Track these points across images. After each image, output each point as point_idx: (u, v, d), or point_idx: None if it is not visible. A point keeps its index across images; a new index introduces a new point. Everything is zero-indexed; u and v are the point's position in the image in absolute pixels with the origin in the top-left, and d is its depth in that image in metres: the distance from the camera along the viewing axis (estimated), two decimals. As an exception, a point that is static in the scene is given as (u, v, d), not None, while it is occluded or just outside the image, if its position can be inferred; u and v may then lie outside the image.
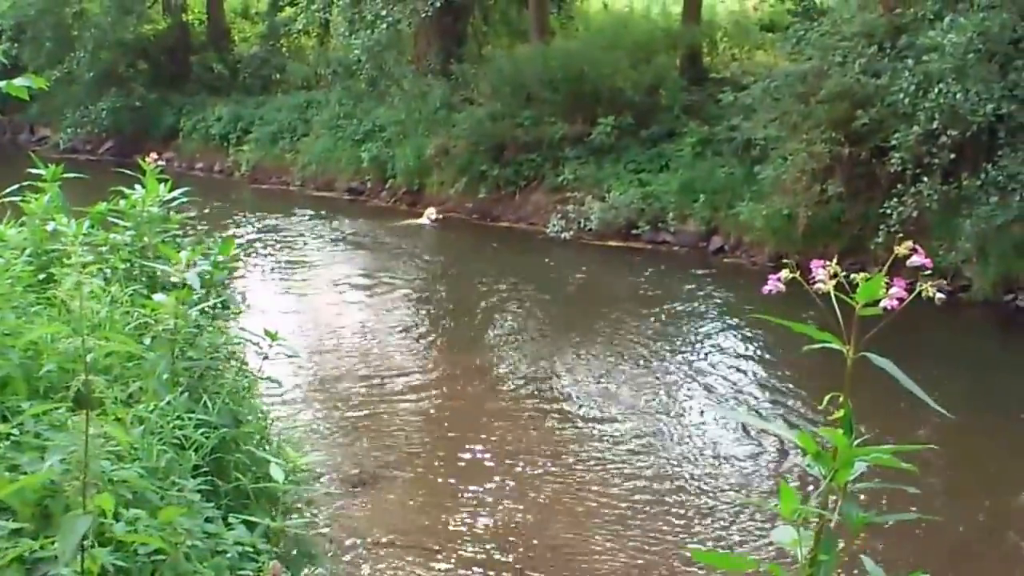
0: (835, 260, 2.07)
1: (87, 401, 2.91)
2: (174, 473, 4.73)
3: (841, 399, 2.02)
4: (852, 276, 2.00)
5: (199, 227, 15.52)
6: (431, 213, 16.94)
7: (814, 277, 2.05)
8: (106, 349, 3.15)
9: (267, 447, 6.16)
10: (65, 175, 7.26)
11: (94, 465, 2.96)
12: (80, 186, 8.11)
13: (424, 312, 12.86)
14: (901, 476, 2.34)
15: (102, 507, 3.05)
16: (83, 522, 2.96)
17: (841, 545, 2.03)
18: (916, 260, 2.02)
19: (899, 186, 12.30)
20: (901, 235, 11.97)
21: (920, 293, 2.01)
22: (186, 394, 5.43)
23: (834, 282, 2.01)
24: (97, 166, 19.48)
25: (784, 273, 2.10)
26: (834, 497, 2.01)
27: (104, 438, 4.40)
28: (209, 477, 5.06)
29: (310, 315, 12.42)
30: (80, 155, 22.71)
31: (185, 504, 4.48)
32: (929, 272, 2.00)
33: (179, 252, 6.04)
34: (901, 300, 1.96)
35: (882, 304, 1.96)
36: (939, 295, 2.02)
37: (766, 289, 2.11)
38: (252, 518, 4.99)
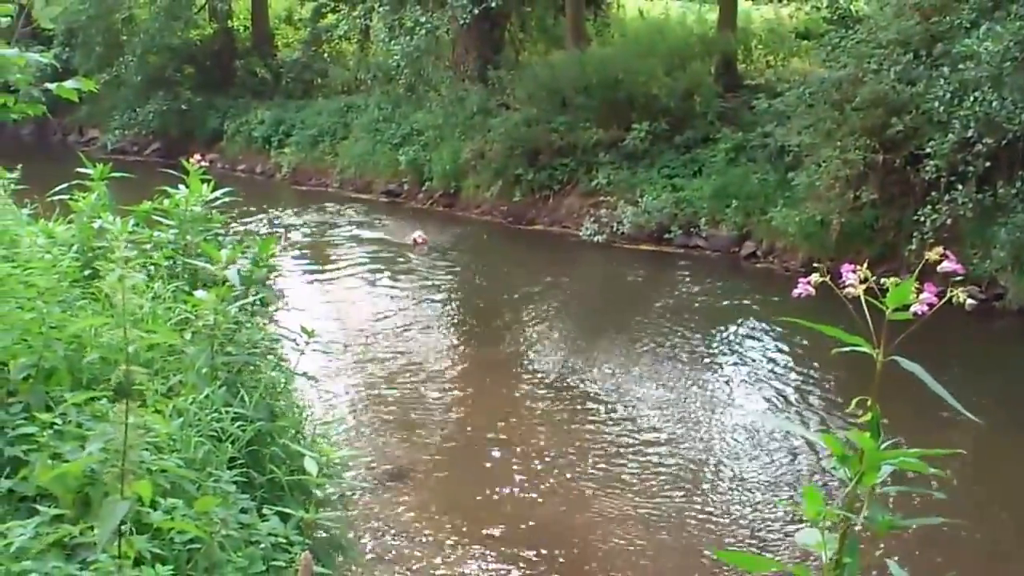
0: (867, 267, 2.07)
1: (127, 391, 3.04)
2: (211, 464, 4.90)
3: (869, 403, 2.02)
4: (883, 281, 2.01)
5: (242, 226, 15.95)
6: (417, 236, 16.06)
7: (844, 281, 2.06)
8: (147, 342, 3.29)
9: (302, 441, 6.36)
10: (112, 175, 7.54)
11: (133, 453, 3.08)
12: (127, 185, 8.38)
13: (458, 312, 13.05)
14: (929, 481, 2.37)
15: (140, 494, 3.12)
16: (121, 508, 3.03)
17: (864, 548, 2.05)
18: (947, 266, 2.03)
19: (933, 194, 12.29)
20: (934, 243, 12.08)
21: (951, 299, 2.00)
22: (224, 388, 5.62)
23: (864, 286, 2.03)
24: (143, 167, 19.89)
25: (814, 277, 2.12)
26: (860, 500, 2.02)
27: (144, 429, 4.64)
28: (245, 469, 5.25)
29: (347, 313, 12.64)
30: (127, 156, 23.21)
31: (221, 495, 4.65)
32: (960, 278, 2.00)
33: (220, 250, 6.27)
34: (931, 305, 1.97)
35: (912, 309, 1.96)
36: (970, 301, 2.01)
37: (796, 292, 2.13)
38: (286, 510, 5.17)
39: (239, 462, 5.17)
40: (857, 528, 2.02)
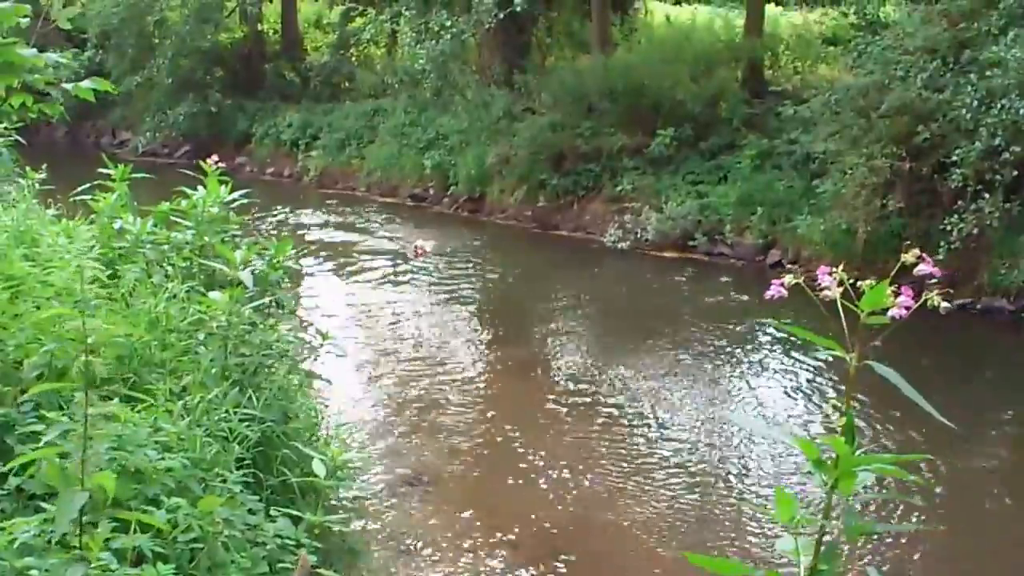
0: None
1: (91, 382, 3.03)
2: (219, 464, 4.94)
3: (844, 406, 1.98)
4: (859, 284, 1.96)
5: (269, 228, 16.07)
6: (418, 244, 15.73)
7: (820, 284, 2.01)
8: (109, 335, 3.27)
9: (316, 443, 6.38)
10: (133, 175, 7.63)
11: (97, 445, 3.08)
12: (152, 186, 8.49)
13: (479, 316, 13.06)
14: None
15: (102, 485, 3.11)
16: (79, 499, 3.01)
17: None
18: (923, 269, 1.98)
19: (960, 202, 12.13)
20: (962, 252, 11.92)
21: (927, 303, 1.94)
22: (236, 388, 5.66)
23: (841, 289, 1.97)
24: (173, 169, 20.06)
25: (788, 278, 2.08)
26: (836, 506, 1.97)
27: (152, 428, 4.68)
28: (253, 470, 5.28)
29: (369, 316, 12.69)
30: (158, 158, 23.49)
31: (226, 495, 4.68)
32: (936, 280, 1.94)
33: (235, 251, 6.32)
34: (908, 309, 1.91)
35: (890, 313, 1.92)
36: (944, 304, 1.94)
37: (769, 294, 2.08)
38: (294, 512, 5.18)
39: (246, 462, 5.20)
40: (834, 535, 1.98)
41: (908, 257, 1.99)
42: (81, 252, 6.17)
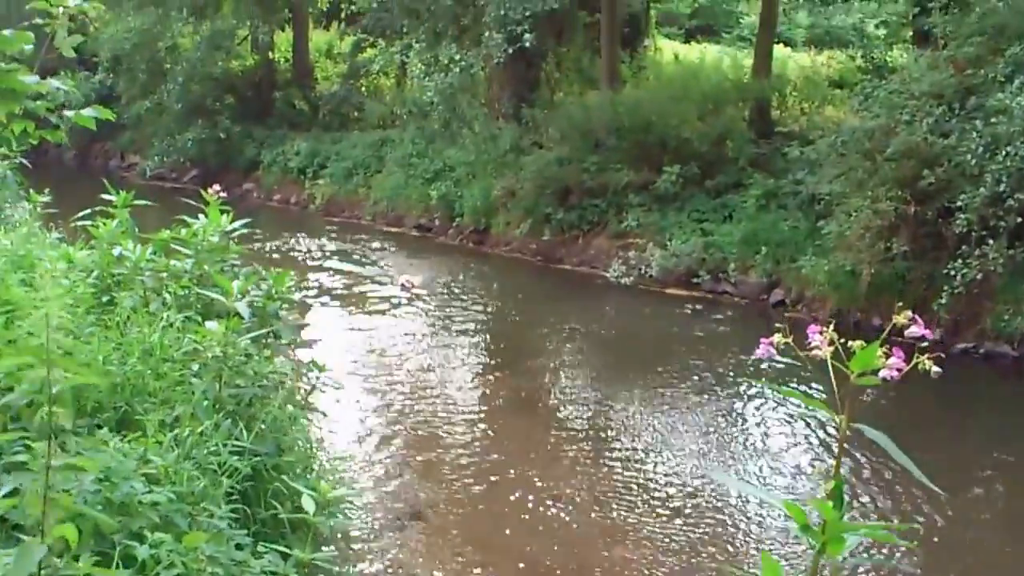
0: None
1: (51, 432, 2.96)
2: (207, 498, 4.88)
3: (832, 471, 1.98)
4: (849, 343, 1.94)
5: (273, 255, 16.08)
6: (404, 280, 15.59)
7: (810, 342, 2.00)
8: (72, 383, 3.19)
9: (309, 477, 6.32)
10: (135, 202, 7.63)
11: (57, 495, 2.99)
12: (158, 211, 8.50)
13: (481, 350, 13.01)
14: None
15: (65, 537, 3.01)
16: (37, 552, 2.91)
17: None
18: (915, 331, 1.98)
19: (964, 247, 12.10)
20: (965, 297, 11.88)
21: (919, 366, 1.94)
22: (228, 420, 5.61)
23: (831, 348, 1.96)
24: (180, 193, 20.13)
25: (776, 337, 2.08)
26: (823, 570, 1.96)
27: (141, 460, 4.63)
28: (240, 505, 5.21)
29: (368, 348, 12.66)
30: (165, 182, 23.60)
31: (213, 530, 4.61)
32: (927, 344, 1.94)
33: (233, 282, 6.29)
34: (900, 371, 1.90)
35: (881, 374, 1.91)
36: (936, 369, 1.94)
37: (758, 353, 2.08)
38: (282, 548, 5.11)
39: (233, 497, 5.13)
40: None
41: (900, 319, 1.97)
42: (81, 278, 6.16)
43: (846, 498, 1.98)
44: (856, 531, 1.92)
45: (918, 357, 1.92)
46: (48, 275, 3.94)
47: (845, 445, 2.03)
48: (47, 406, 2.83)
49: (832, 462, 2.02)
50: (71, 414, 4.83)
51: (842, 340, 2.00)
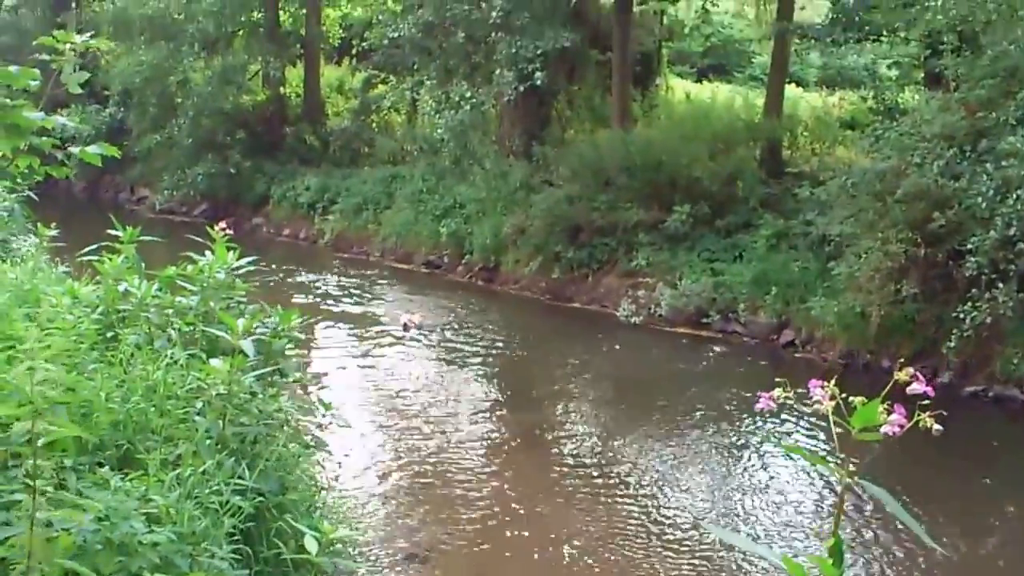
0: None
1: (34, 484, 2.88)
2: (208, 538, 4.81)
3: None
4: (851, 399, 1.94)
5: (281, 290, 16.06)
6: (406, 318, 15.26)
7: (813, 396, 1.98)
8: (53, 436, 3.11)
9: (314, 516, 6.23)
10: (142, 238, 7.61)
11: (42, 549, 2.92)
12: (166, 247, 8.48)
13: (489, 388, 12.94)
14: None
15: None
16: None
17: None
18: (916, 388, 1.96)
19: (975, 290, 12.02)
20: (975, 341, 11.77)
21: (921, 423, 1.94)
22: (232, 459, 5.54)
23: (833, 403, 1.95)
24: (190, 227, 20.15)
25: (776, 391, 2.07)
26: None
27: (142, 499, 4.56)
28: (242, 545, 5.14)
29: (375, 385, 12.60)
30: (175, 216, 23.68)
31: (213, 571, 4.54)
32: (928, 401, 1.93)
33: (239, 319, 6.25)
34: (902, 427, 1.90)
35: (883, 430, 1.90)
36: (937, 427, 1.94)
37: (758, 407, 2.08)
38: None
39: (235, 537, 5.06)
40: None
41: (902, 376, 1.96)
42: (85, 314, 6.12)
43: (848, 558, 1.92)
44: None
45: (919, 415, 1.92)
46: (50, 311, 3.90)
47: (848, 497, 1.98)
48: (32, 459, 2.76)
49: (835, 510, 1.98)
50: (73, 453, 4.79)
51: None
